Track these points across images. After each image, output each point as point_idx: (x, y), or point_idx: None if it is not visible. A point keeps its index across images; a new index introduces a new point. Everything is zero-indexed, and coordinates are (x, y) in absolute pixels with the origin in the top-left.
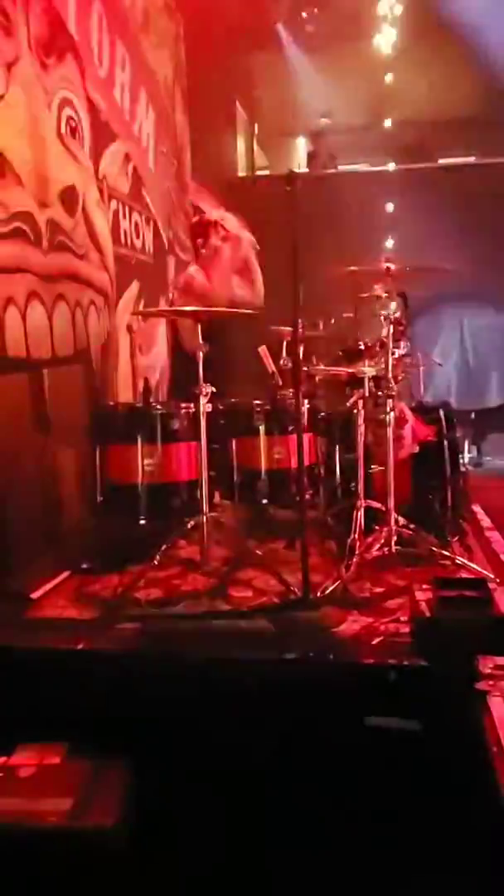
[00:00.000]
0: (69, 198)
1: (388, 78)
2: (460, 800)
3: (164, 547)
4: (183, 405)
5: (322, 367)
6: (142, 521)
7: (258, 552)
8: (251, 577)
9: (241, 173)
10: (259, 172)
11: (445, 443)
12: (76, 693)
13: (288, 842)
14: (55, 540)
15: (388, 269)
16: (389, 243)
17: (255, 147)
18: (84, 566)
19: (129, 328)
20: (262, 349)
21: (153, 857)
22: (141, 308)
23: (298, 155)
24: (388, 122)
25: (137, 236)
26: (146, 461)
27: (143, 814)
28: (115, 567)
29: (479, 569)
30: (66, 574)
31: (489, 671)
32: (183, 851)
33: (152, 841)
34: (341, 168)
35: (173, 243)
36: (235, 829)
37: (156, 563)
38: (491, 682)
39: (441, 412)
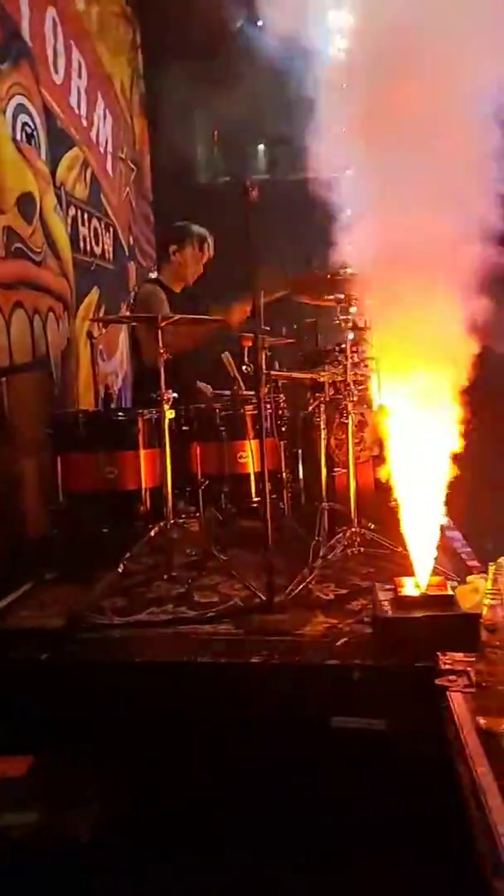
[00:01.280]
0: (26, 204)
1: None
2: (424, 796)
3: (127, 555)
4: (145, 411)
5: (284, 372)
6: (105, 530)
7: (223, 557)
8: (216, 583)
9: (202, 179)
10: (220, 179)
11: None
12: (42, 704)
13: (257, 843)
14: (17, 550)
15: (345, 275)
16: (349, 248)
17: (216, 152)
18: (47, 576)
19: (90, 334)
20: (225, 355)
21: (120, 870)
22: (101, 314)
23: (259, 161)
24: (343, 129)
25: (97, 242)
26: (108, 468)
27: (112, 826)
28: (79, 576)
29: (441, 568)
30: (29, 584)
31: (448, 667)
32: (151, 862)
33: (120, 854)
34: (302, 175)
35: (134, 249)
36: (204, 834)
37: (120, 571)
38: (451, 678)
39: None
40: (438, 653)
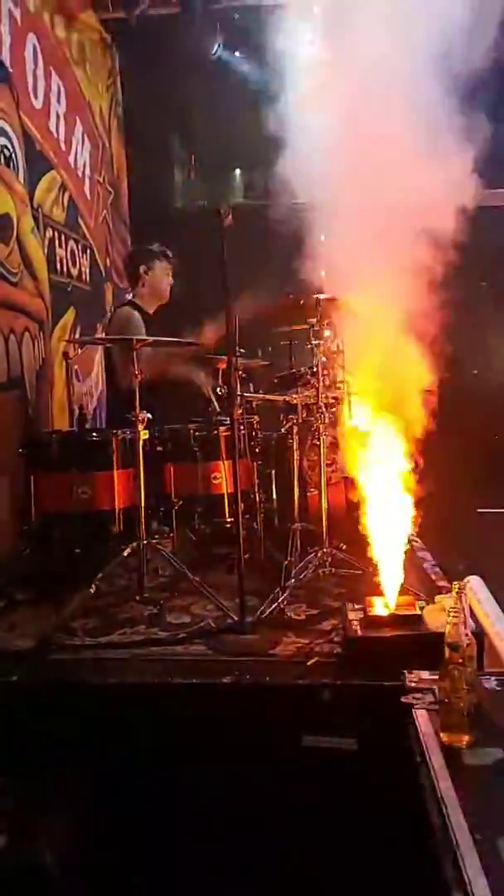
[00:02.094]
0: (3, 225)
1: (321, 115)
2: (393, 813)
3: (100, 575)
4: (119, 432)
5: (258, 394)
6: (77, 550)
7: (195, 578)
8: (189, 603)
9: (178, 204)
10: (197, 202)
11: None
12: (11, 726)
13: (228, 863)
14: None
15: (317, 300)
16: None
17: (193, 177)
18: (19, 596)
19: (66, 355)
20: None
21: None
22: (77, 335)
23: (236, 186)
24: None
25: (74, 264)
26: (81, 489)
27: (78, 849)
28: (51, 597)
29: (410, 588)
30: (0, 604)
31: (414, 685)
32: (116, 883)
33: (85, 878)
34: (277, 200)
35: (111, 270)
36: (172, 856)
37: (92, 591)
38: (416, 696)
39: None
40: (405, 671)
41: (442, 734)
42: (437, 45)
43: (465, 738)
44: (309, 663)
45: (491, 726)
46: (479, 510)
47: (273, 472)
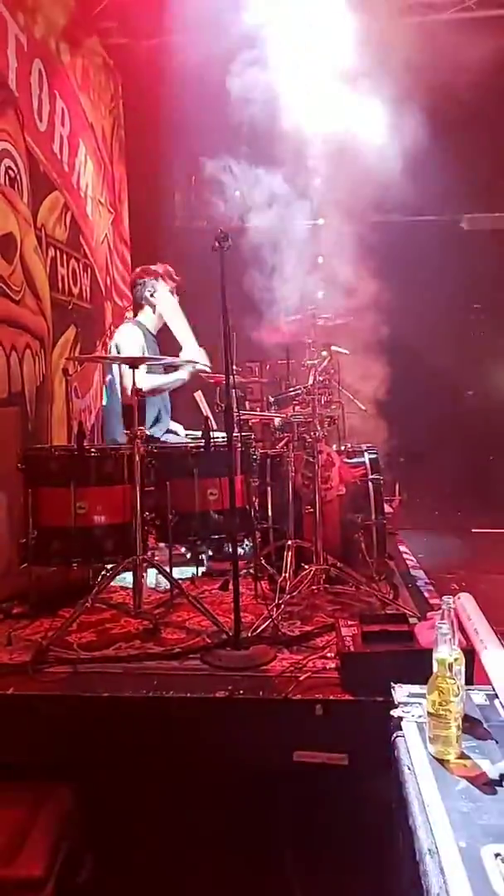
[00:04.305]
0: (7, 244)
1: (320, 142)
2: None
3: (96, 590)
4: (117, 448)
5: (255, 411)
6: (74, 564)
7: (190, 594)
8: (184, 619)
9: (179, 223)
10: (197, 223)
11: (370, 485)
12: (7, 738)
13: (220, 875)
14: None
15: (313, 321)
16: (320, 295)
17: (193, 197)
18: (15, 610)
19: (65, 371)
20: (198, 394)
21: None
22: (78, 352)
23: (235, 206)
24: (317, 181)
25: (75, 283)
26: (79, 504)
27: (72, 862)
28: (47, 611)
29: (402, 605)
30: None
31: (404, 699)
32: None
33: (79, 891)
34: (277, 221)
35: (111, 289)
36: (167, 868)
37: (88, 606)
38: (406, 709)
39: (366, 456)
40: (394, 685)
41: (430, 746)
42: None
43: (453, 750)
44: (301, 678)
45: (478, 739)
46: (473, 530)
47: (269, 488)
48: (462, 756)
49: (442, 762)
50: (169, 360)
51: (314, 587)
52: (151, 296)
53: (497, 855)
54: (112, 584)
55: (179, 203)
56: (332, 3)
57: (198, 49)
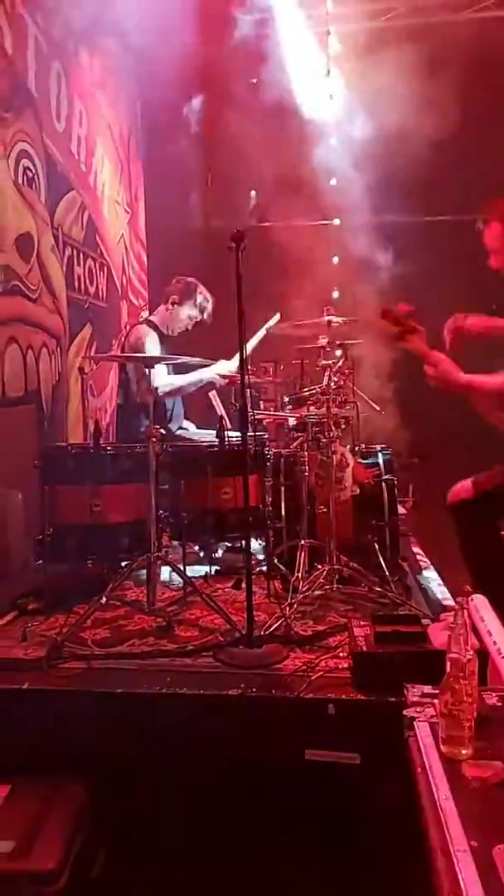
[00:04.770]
0: (24, 244)
1: (333, 142)
2: (394, 823)
3: (110, 587)
4: (132, 446)
5: (269, 411)
6: (89, 561)
7: (204, 592)
8: (198, 617)
9: (195, 223)
10: (213, 222)
11: (384, 485)
12: (22, 733)
13: (233, 873)
14: (2, 580)
15: (328, 322)
16: (335, 295)
17: (209, 197)
18: (31, 606)
19: (81, 370)
20: (212, 393)
21: None
22: (93, 351)
23: (251, 206)
24: (333, 181)
25: (91, 282)
26: (94, 501)
27: (86, 857)
28: (62, 607)
29: (415, 606)
30: (12, 614)
31: (416, 699)
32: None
33: (93, 885)
34: (290, 222)
35: (126, 289)
36: (180, 864)
37: (103, 603)
38: (418, 709)
39: (380, 456)
40: (407, 685)
41: (442, 746)
42: None
43: (465, 750)
44: (314, 678)
45: (491, 740)
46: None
47: (282, 488)
48: (474, 756)
49: (454, 762)
50: (185, 359)
51: (327, 587)
52: (172, 304)
53: None
54: (126, 581)
55: (196, 203)
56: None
57: (217, 50)
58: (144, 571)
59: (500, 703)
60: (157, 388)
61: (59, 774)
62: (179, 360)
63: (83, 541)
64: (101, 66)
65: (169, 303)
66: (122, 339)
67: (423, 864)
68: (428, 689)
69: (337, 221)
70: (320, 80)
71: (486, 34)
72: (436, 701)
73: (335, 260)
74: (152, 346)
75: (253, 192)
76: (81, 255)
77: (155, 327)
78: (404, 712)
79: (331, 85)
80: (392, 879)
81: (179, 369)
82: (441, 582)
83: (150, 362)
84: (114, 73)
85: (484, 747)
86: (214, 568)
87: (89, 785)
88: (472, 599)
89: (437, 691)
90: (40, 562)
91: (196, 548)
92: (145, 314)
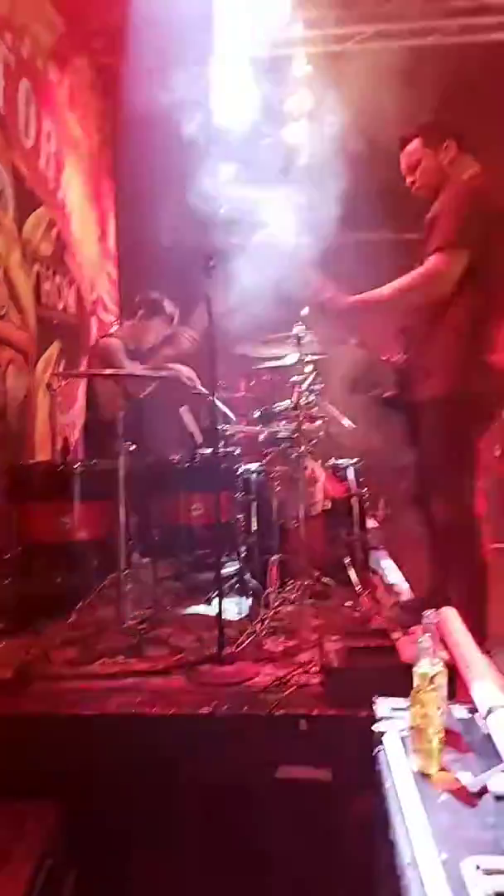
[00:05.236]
0: None
1: (303, 160)
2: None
3: (80, 605)
4: (101, 463)
5: (240, 427)
6: (58, 580)
7: (175, 610)
8: (168, 635)
9: (164, 241)
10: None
11: (354, 500)
12: None
13: (205, 892)
14: None
15: (298, 338)
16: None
17: (180, 215)
18: None
19: (49, 386)
20: (183, 409)
21: None
22: (62, 367)
23: (220, 223)
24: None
25: (59, 298)
26: (64, 519)
27: (55, 878)
28: (31, 626)
29: (385, 620)
30: None
31: (387, 713)
32: None
33: None
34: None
35: (96, 305)
36: (148, 885)
37: (71, 621)
38: (387, 723)
39: (350, 471)
40: (377, 699)
41: (412, 760)
42: None
43: (434, 763)
44: (286, 694)
45: (460, 752)
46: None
47: (254, 503)
48: (443, 769)
49: (423, 775)
50: (152, 373)
51: (299, 602)
52: (139, 319)
53: (478, 867)
54: (96, 599)
55: (166, 221)
56: None
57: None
58: (114, 589)
59: (468, 716)
60: (125, 404)
61: (29, 797)
62: (146, 375)
63: (52, 558)
64: (71, 83)
65: (136, 318)
66: (91, 354)
67: (394, 879)
68: (398, 702)
69: (306, 239)
70: (289, 99)
71: (452, 58)
72: (405, 714)
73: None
74: (119, 360)
75: (223, 209)
76: (50, 271)
77: (123, 343)
78: (373, 727)
79: (300, 104)
80: (365, 894)
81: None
82: (412, 595)
83: (118, 378)
84: (84, 91)
85: (453, 760)
86: (185, 585)
87: (60, 807)
88: (440, 612)
89: (406, 704)
90: (8, 580)
91: (166, 565)
92: (114, 329)
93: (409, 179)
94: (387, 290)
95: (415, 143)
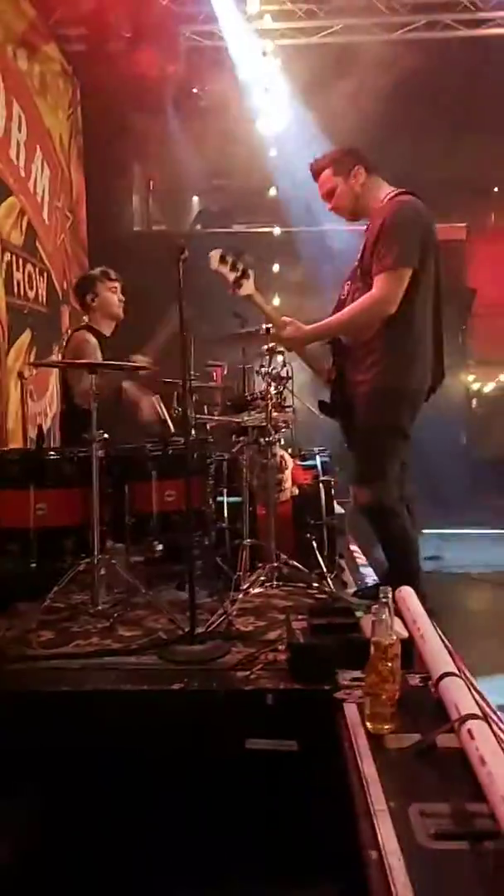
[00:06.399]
0: None
1: (273, 153)
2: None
3: (55, 590)
4: (75, 450)
5: (211, 416)
6: (33, 565)
7: (148, 593)
8: (141, 617)
9: (137, 228)
10: (155, 227)
11: (321, 486)
12: None
13: (176, 864)
14: None
15: (268, 328)
16: (276, 301)
17: (151, 203)
18: None
19: (21, 375)
20: (156, 398)
21: None
22: (33, 355)
23: (192, 212)
24: (273, 191)
25: (31, 287)
26: (38, 505)
27: (35, 855)
28: (6, 610)
29: (350, 600)
30: None
31: (346, 683)
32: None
33: (40, 882)
34: (233, 228)
35: (68, 293)
36: (123, 859)
37: (46, 605)
38: (346, 692)
39: (318, 459)
40: (338, 671)
41: (367, 723)
42: None
43: (387, 726)
44: (254, 670)
45: (413, 716)
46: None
47: (225, 490)
48: (397, 730)
49: (378, 737)
50: (123, 364)
51: (268, 584)
52: (93, 301)
53: (422, 812)
54: (70, 584)
55: (137, 208)
56: None
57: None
58: (89, 574)
59: (421, 684)
60: (101, 391)
61: (9, 776)
62: (118, 366)
63: (27, 544)
64: (40, 71)
65: (90, 302)
66: (64, 344)
67: (352, 826)
68: (357, 673)
69: (277, 229)
70: (261, 93)
71: (414, 54)
72: (363, 683)
73: (276, 268)
74: (92, 352)
75: (196, 198)
76: (21, 261)
77: (95, 332)
78: (335, 695)
79: (271, 97)
80: (330, 843)
81: None
82: (376, 578)
83: (90, 368)
84: (53, 79)
85: (407, 722)
86: (158, 569)
87: (39, 786)
88: (399, 591)
89: (363, 675)
90: None
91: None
92: (85, 320)
93: (327, 206)
94: (342, 316)
95: (326, 173)
